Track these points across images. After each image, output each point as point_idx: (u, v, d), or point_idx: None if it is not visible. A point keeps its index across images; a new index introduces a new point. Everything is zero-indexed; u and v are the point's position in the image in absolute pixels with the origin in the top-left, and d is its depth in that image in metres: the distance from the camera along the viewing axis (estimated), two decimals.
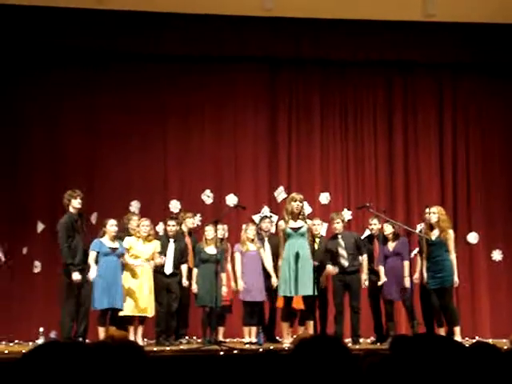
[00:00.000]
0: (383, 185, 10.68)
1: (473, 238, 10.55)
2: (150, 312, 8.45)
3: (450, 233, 8.61)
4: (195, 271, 8.87)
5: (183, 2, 9.43)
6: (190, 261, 9.02)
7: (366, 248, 9.02)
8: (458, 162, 10.75)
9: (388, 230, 8.88)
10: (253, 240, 8.98)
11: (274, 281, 8.76)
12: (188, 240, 9.16)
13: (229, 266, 9.07)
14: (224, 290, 8.79)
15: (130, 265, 8.36)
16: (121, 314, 8.23)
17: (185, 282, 8.86)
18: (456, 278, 8.53)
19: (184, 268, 8.90)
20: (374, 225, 9.13)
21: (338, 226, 8.93)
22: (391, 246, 8.84)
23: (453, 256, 8.56)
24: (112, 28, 9.85)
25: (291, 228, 8.13)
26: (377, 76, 10.79)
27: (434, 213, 8.61)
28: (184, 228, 9.23)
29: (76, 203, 8.35)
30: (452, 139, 10.79)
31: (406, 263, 8.74)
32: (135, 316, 8.39)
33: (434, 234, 8.54)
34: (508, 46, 10.35)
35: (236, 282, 8.95)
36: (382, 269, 8.86)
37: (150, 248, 8.57)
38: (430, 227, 8.62)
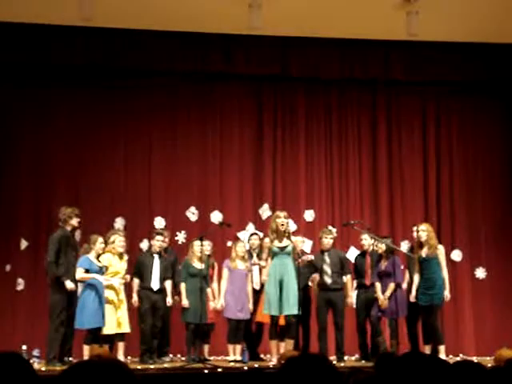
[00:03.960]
0: (368, 202, 10.71)
1: (456, 255, 10.59)
2: (126, 328, 8.39)
3: (441, 248, 8.67)
4: (183, 286, 8.83)
5: (170, 19, 9.44)
6: None
7: (349, 269, 9.04)
8: (442, 179, 10.81)
9: (382, 248, 8.86)
10: (243, 257, 8.97)
11: (250, 307, 8.81)
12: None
13: (214, 285, 9.05)
14: (212, 304, 8.79)
15: (109, 283, 8.31)
16: (104, 332, 8.17)
17: (169, 302, 8.83)
18: (447, 293, 8.58)
19: (169, 284, 8.88)
20: (365, 240, 9.15)
21: (326, 243, 8.95)
22: (383, 264, 8.85)
23: (445, 272, 8.61)
24: (99, 45, 9.82)
25: (278, 247, 8.13)
26: (361, 94, 10.86)
27: (423, 230, 8.65)
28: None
29: (75, 222, 8.38)
30: (436, 156, 10.86)
31: (392, 285, 8.68)
32: (114, 333, 8.33)
33: (425, 252, 8.58)
34: (491, 64, 10.45)
35: (218, 299, 8.95)
36: (378, 285, 8.84)
37: (124, 264, 8.54)
38: (420, 245, 8.66)
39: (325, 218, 10.58)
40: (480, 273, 10.61)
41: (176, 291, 8.99)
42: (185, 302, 8.74)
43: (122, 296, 8.42)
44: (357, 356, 9.22)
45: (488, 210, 10.75)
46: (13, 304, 9.70)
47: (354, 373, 3.02)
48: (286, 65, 10.32)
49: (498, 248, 10.63)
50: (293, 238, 8.46)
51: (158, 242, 8.91)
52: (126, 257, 8.61)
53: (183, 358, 8.93)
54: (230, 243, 9.82)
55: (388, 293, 8.66)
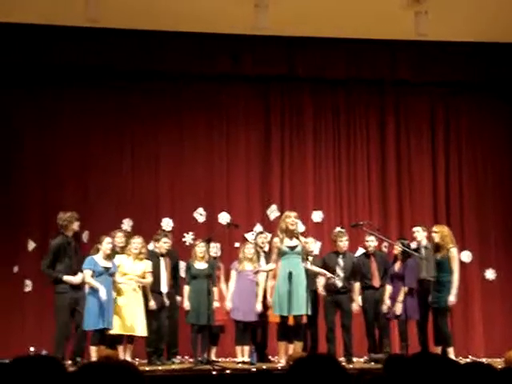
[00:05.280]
0: (376, 203, 10.66)
1: (466, 256, 10.52)
2: (140, 331, 8.34)
3: (453, 251, 8.58)
4: (186, 288, 8.83)
5: (176, 20, 9.43)
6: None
7: (358, 275, 8.97)
8: (451, 180, 10.76)
9: (398, 249, 8.75)
10: (251, 259, 8.93)
11: (258, 307, 8.75)
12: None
13: (223, 286, 9.03)
14: (216, 304, 8.74)
15: (118, 283, 8.30)
16: (110, 332, 8.14)
17: (166, 302, 8.79)
18: (452, 298, 8.48)
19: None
20: (372, 241, 9.09)
21: (342, 245, 8.90)
22: (397, 266, 8.77)
23: (455, 275, 8.52)
24: (106, 46, 9.81)
25: (287, 246, 8.07)
26: (369, 94, 10.81)
27: (436, 232, 8.61)
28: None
29: (76, 226, 8.33)
30: (445, 158, 10.80)
31: (404, 289, 8.53)
32: (124, 335, 8.31)
33: (440, 253, 8.54)
34: (500, 64, 10.40)
35: (224, 300, 8.93)
36: (388, 288, 8.78)
37: (140, 267, 8.49)
38: (436, 247, 8.61)
39: (333, 219, 10.53)
40: (490, 274, 10.55)
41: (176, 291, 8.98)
42: (186, 304, 8.76)
43: (132, 298, 8.36)
44: (365, 358, 9.16)
45: (497, 211, 10.69)
46: (20, 305, 9.70)
47: (362, 375, 2.99)
48: (293, 65, 10.28)
49: (508, 249, 10.59)
50: (303, 239, 8.37)
51: (166, 244, 8.90)
52: (147, 261, 8.56)
53: (191, 360, 8.90)
54: (237, 244, 9.80)
55: (401, 297, 8.57)
